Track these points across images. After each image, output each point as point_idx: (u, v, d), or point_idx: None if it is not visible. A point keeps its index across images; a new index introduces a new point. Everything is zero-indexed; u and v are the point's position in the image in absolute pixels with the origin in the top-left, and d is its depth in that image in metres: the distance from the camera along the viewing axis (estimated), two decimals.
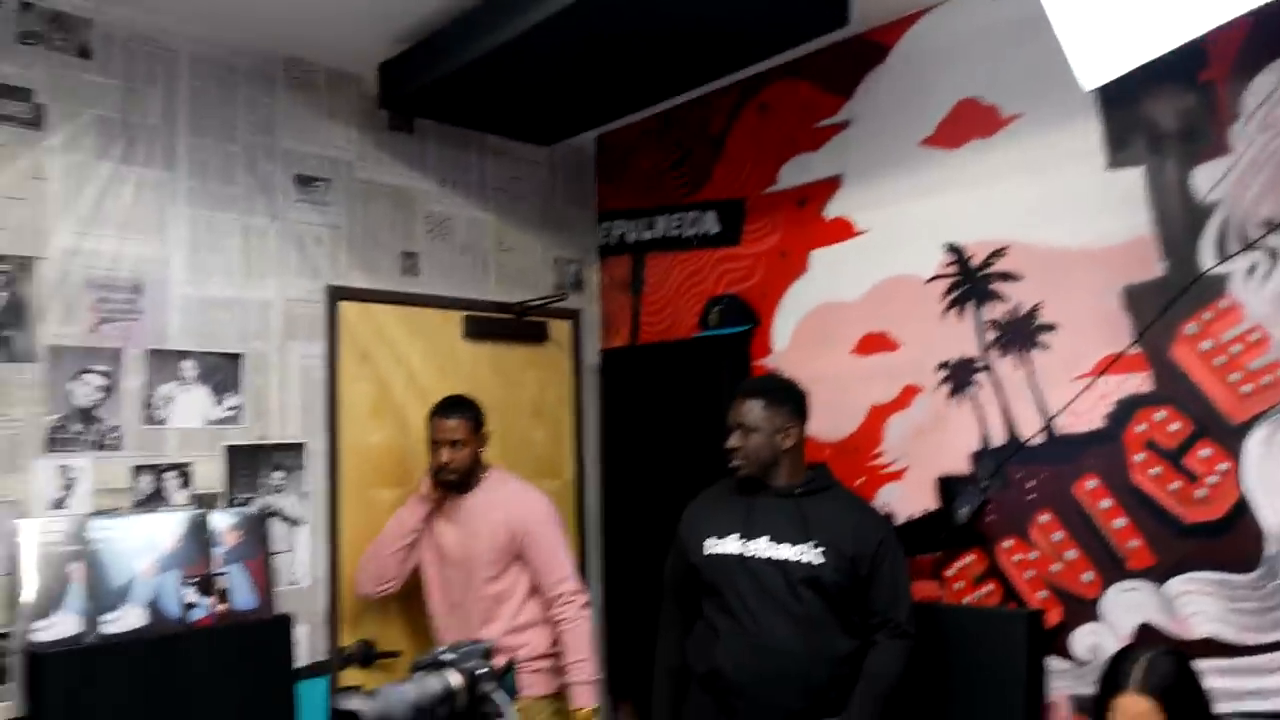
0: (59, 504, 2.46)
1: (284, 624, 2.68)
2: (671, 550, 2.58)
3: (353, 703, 1.10)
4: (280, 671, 2.66)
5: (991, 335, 2.59)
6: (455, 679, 1.21)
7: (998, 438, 2.57)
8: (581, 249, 3.72)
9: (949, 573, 2.65)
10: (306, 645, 2.85)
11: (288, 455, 2.87)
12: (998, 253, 2.58)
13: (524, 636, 2.72)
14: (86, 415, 2.52)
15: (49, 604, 2.35)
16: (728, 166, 3.31)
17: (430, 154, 3.29)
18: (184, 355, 2.69)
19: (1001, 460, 2.55)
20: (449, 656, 1.24)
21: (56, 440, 2.47)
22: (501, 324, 3.42)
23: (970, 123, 2.64)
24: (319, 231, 2.99)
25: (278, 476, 2.85)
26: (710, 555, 2.41)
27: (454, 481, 2.78)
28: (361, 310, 3.08)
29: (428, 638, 3.11)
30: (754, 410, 2.40)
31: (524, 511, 2.77)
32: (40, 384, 2.44)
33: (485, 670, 1.20)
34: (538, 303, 3.47)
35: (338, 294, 3.01)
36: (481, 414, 2.85)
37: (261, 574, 2.73)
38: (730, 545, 2.39)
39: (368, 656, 2.98)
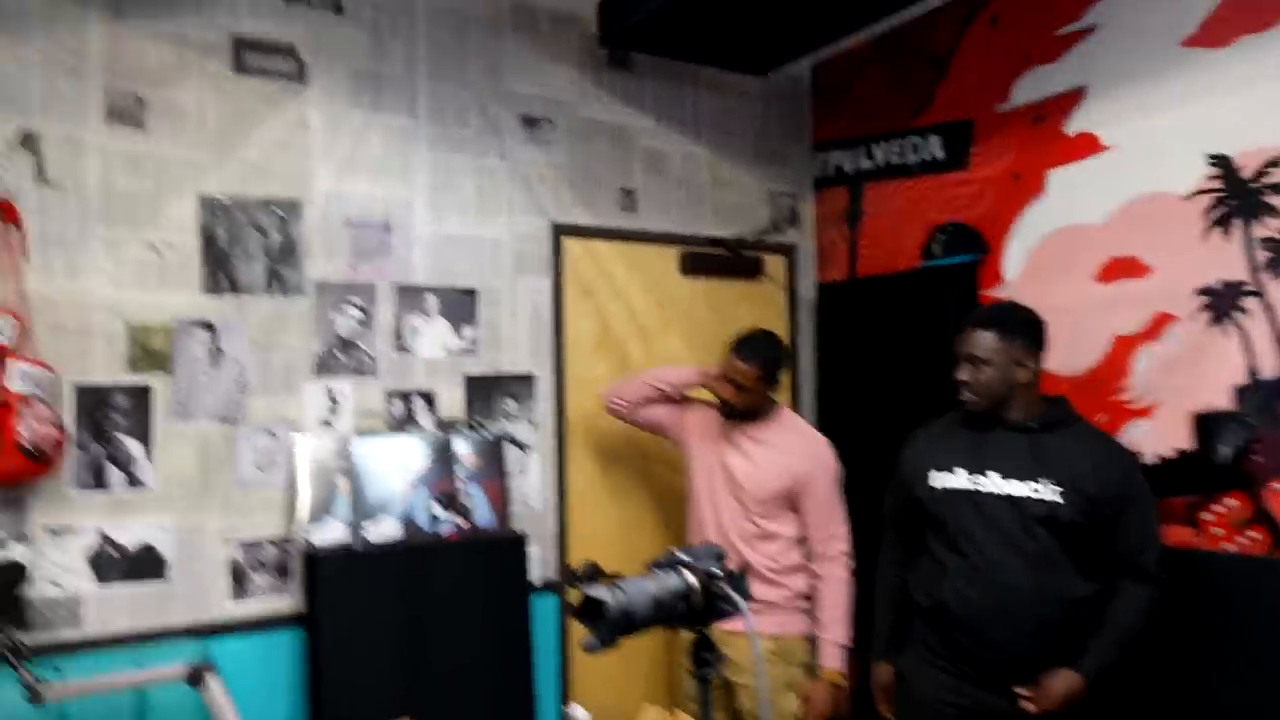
0: (326, 424, 2.74)
1: (520, 542, 2.87)
2: (892, 483, 2.52)
3: (599, 592, 1.17)
4: (517, 585, 2.86)
5: (1264, 256, 2.32)
6: (691, 577, 1.25)
7: (1268, 369, 2.31)
8: (796, 182, 3.66)
9: (1206, 517, 2.43)
10: (538, 563, 3.04)
11: (519, 386, 3.05)
12: (1274, 163, 2.30)
13: (786, 578, 2.68)
14: (347, 344, 2.78)
15: (320, 511, 2.64)
16: (953, 87, 3.13)
17: (647, 90, 3.33)
18: (427, 290, 2.90)
19: (1272, 395, 2.30)
20: (685, 557, 1.28)
21: (323, 366, 2.74)
22: (716, 259, 3.44)
23: (1242, 15, 2.35)
24: (543, 170, 3.12)
25: (511, 405, 3.04)
26: (936, 489, 2.34)
27: (737, 413, 2.74)
28: (583, 246, 3.19)
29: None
30: (986, 341, 2.28)
31: (811, 463, 2.69)
32: (308, 315, 2.72)
33: (720, 573, 1.24)
34: (753, 237, 3.45)
35: (561, 230, 3.14)
36: (779, 359, 2.73)
37: (498, 495, 2.93)
38: (958, 480, 2.31)
39: (594, 576, 3.13)
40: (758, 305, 3.54)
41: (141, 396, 2.48)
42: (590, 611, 1.19)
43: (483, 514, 2.89)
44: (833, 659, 2.63)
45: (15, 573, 2.30)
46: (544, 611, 3.01)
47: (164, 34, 2.55)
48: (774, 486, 2.68)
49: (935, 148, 3.19)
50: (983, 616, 2.21)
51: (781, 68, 3.48)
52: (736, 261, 3.49)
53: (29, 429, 2.21)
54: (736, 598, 1.22)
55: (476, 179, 3.00)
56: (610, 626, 1.17)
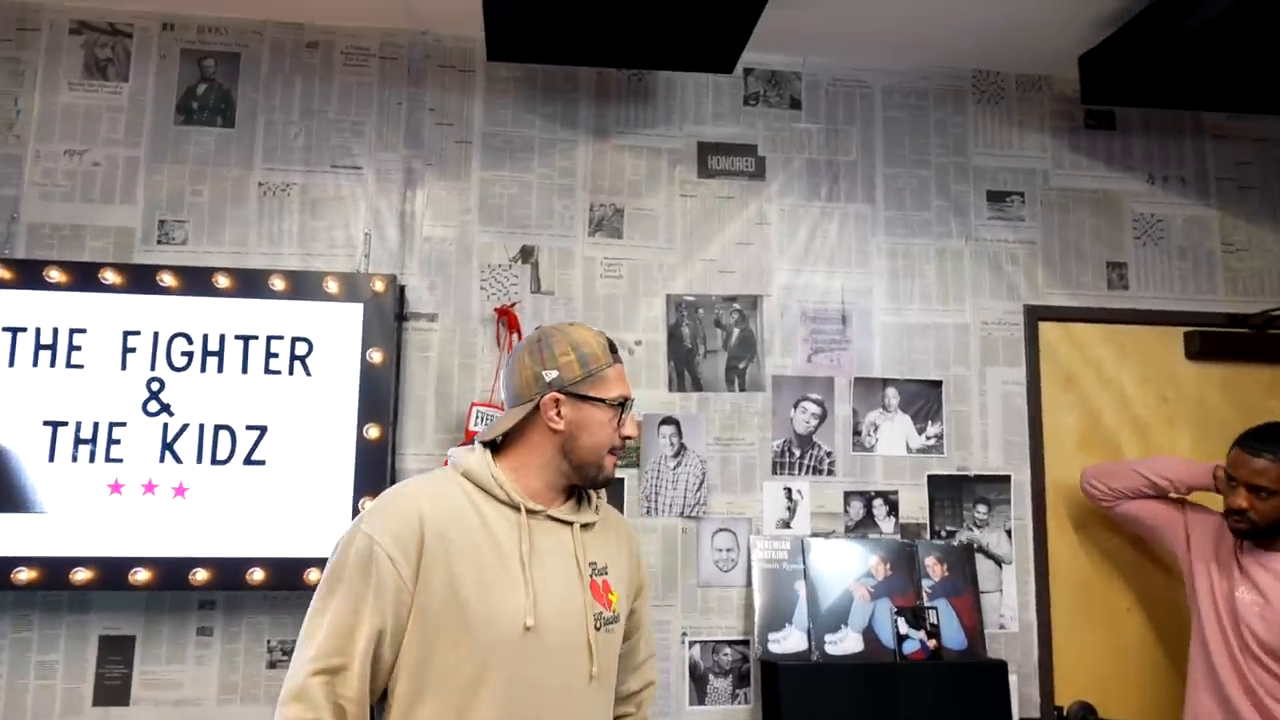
0: (784, 524, 2.63)
1: (1001, 671, 2.50)
2: None
3: None
4: None
5: None
6: None
7: None
8: None
9: None
10: (1015, 695, 2.62)
11: (990, 487, 2.71)
12: None
13: None
14: (804, 441, 2.67)
15: (778, 618, 2.52)
16: None
17: (1135, 148, 2.89)
18: (887, 383, 2.71)
19: None
20: None
21: (779, 464, 2.65)
22: (1235, 339, 2.83)
23: None
24: (1014, 249, 2.81)
25: (980, 510, 2.70)
26: None
27: (1245, 531, 2.22)
28: (1063, 330, 2.80)
29: (1154, 707, 2.66)
30: None
31: None
32: (766, 411, 2.66)
33: None
34: None
35: (1037, 314, 2.78)
36: None
37: (970, 612, 2.60)
38: None
39: (1086, 718, 2.64)
40: None
41: (618, 487, 2.57)
42: None
43: (953, 634, 2.57)
44: None
45: None
46: None
47: (640, 147, 2.71)
48: None
49: None
50: None
51: None
52: (1261, 341, 2.84)
53: None
54: None
55: (938, 262, 2.77)
56: None
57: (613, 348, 1.58)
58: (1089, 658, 2.70)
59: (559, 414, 1.53)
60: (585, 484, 1.57)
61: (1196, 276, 2.86)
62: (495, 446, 1.58)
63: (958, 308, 2.77)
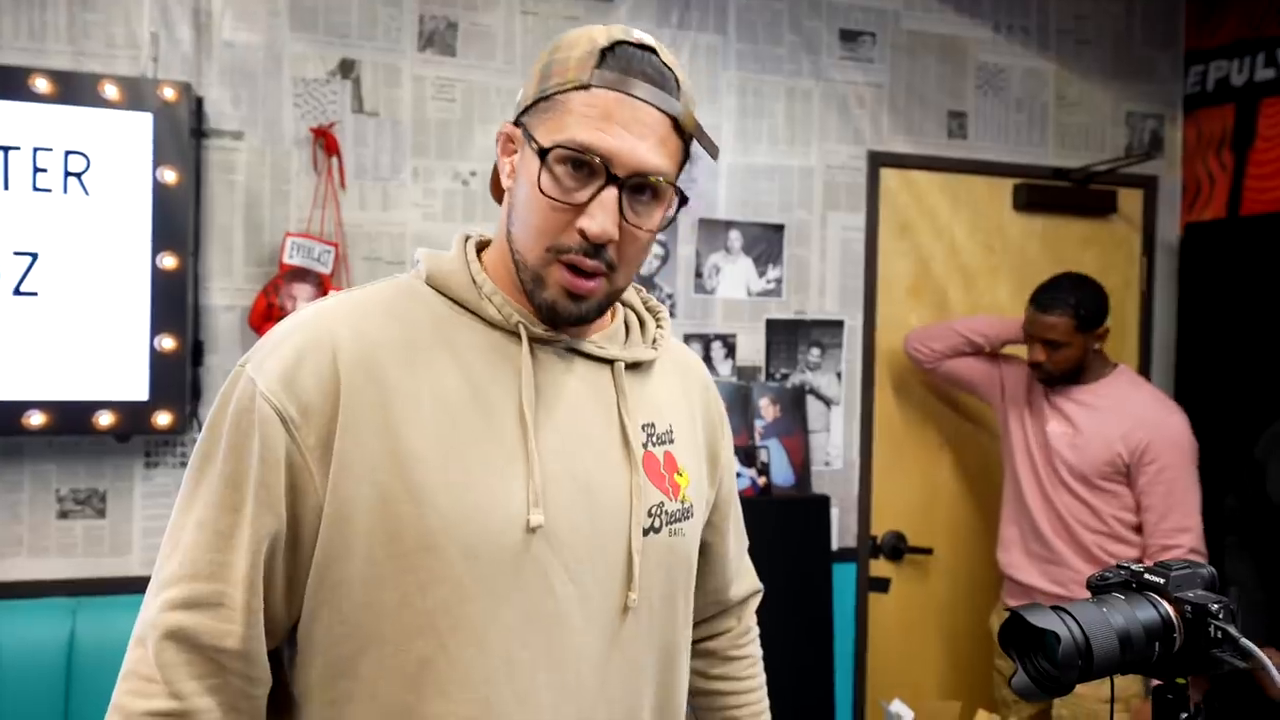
0: None
1: (823, 505, 2.61)
2: (1241, 480, 2.02)
3: (1045, 619, 0.86)
4: (819, 551, 2.60)
5: None
6: (1170, 610, 0.92)
7: None
8: (1162, 100, 3.04)
9: None
10: (836, 528, 2.76)
11: (825, 332, 2.75)
12: None
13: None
14: (646, 282, 2.60)
15: None
16: None
17: None
18: (730, 225, 2.66)
19: None
20: (1155, 579, 0.94)
21: None
22: (1059, 193, 2.93)
23: None
24: (861, 91, 2.75)
25: (814, 353, 2.75)
26: None
27: (1046, 380, 2.32)
28: (902, 178, 2.81)
29: (958, 538, 2.88)
30: None
31: (1154, 433, 2.20)
32: None
33: (1216, 606, 0.89)
34: (1104, 167, 2.90)
35: (879, 159, 2.77)
36: (1098, 305, 2.26)
37: (799, 452, 2.67)
38: None
39: (897, 549, 2.82)
40: (1106, 249, 2.99)
41: None
42: (1028, 644, 0.89)
43: (782, 471, 2.65)
44: None
45: None
46: (843, 582, 2.73)
47: None
48: (1104, 457, 2.23)
49: None
50: None
51: None
52: (1083, 196, 2.95)
53: None
54: (1251, 646, 0.87)
55: (788, 102, 2.69)
56: (1063, 667, 0.86)
57: (612, 53, 0.88)
58: (906, 494, 2.86)
59: (511, 163, 0.94)
60: (534, 303, 0.92)
61: (1030, 129, 2.92)
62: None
63: (804, 150, 2.71)
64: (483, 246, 0.99)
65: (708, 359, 2.65)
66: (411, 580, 0.85)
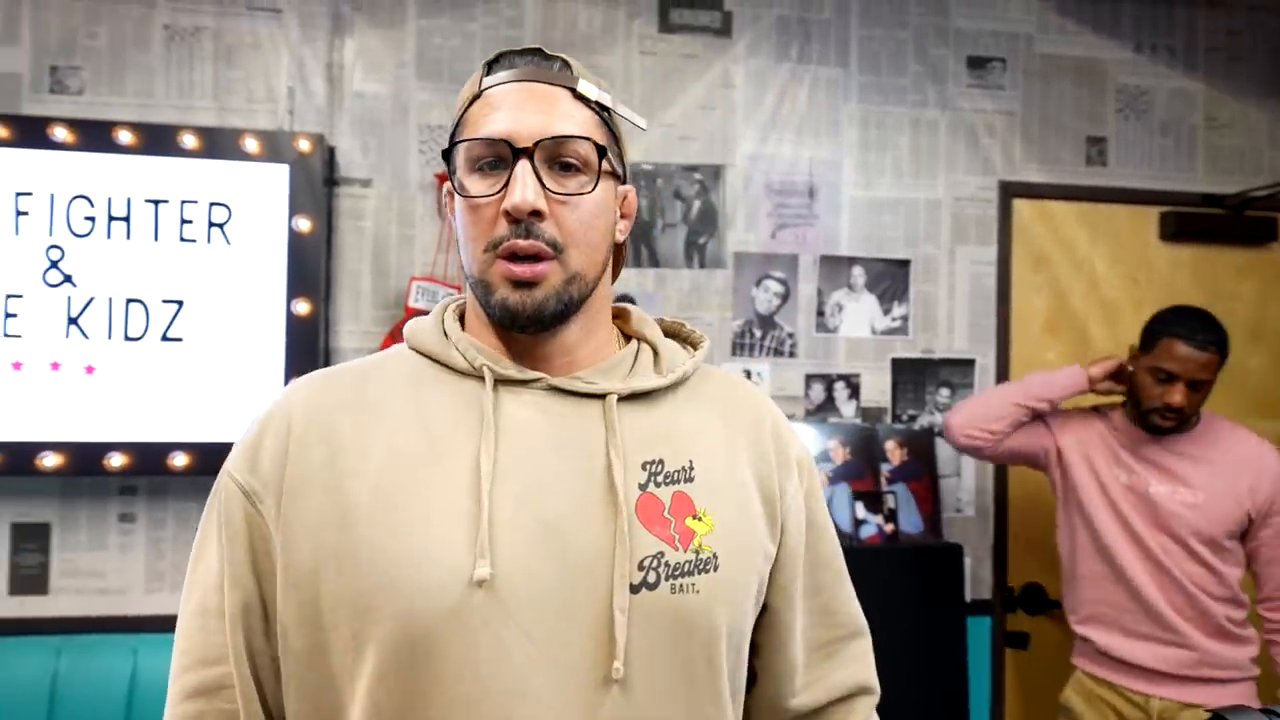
0: None
1: (956, 554, 2.47)
2: None
3: None
4: (951, 602, 2.46)
5: None
6: None
7: None
8: None
9: None
10: (969, 578, 2.62)
11: (955, 371, 2.62)
12: None
13: (1249, 632, 2.07)
14: (766, 321, 2.54)
15: None
16: None
17: (1125, 14, 2.70)
18: (853, 261, 2.58)
19: None
20: None
21: (740, 345, 2.53)
22: (1211, 220, 2.73)
23: None
24: (991, 119, 2.64)
25: (944, 394, 2.63)
26: None
27: (1171, 428, 2.06)
28: (1037, 208, 2.67)
29: None
30: None
31: (1273, 485, 2.02)
32: (727, 290, 2.51)
33: None
34: (1263, 193, 2.69)
35: (1011, 190, 2.64)
36: (1229, 347, 2.04)
37: (927, 497, 2.55)
38: None
39: (1037, 602, 2.65)
40: (1265, 279, 2.77)
41: None
42: None
43: (909, 518, 2.53)
44: None
45: None
46: (978, 637, 2.58)
47: None
48: (1235, 515, 2.03)
49: None
50: None
51: None
52: (1238, 223, 2.74)
53: None
54: None
55: (912, 134, 2.60)
56: None
57: (496, 62, 0.89)
58: (1045, 543, 2.68)
59: (450, 196, 0.92)
60: (492, 315, 0.87)
61: (1177, 154, 2.73)
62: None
63: (929, 182, 2.61)
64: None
65: (830, 400, 2.56)
66: (350, 649, 0.79)
